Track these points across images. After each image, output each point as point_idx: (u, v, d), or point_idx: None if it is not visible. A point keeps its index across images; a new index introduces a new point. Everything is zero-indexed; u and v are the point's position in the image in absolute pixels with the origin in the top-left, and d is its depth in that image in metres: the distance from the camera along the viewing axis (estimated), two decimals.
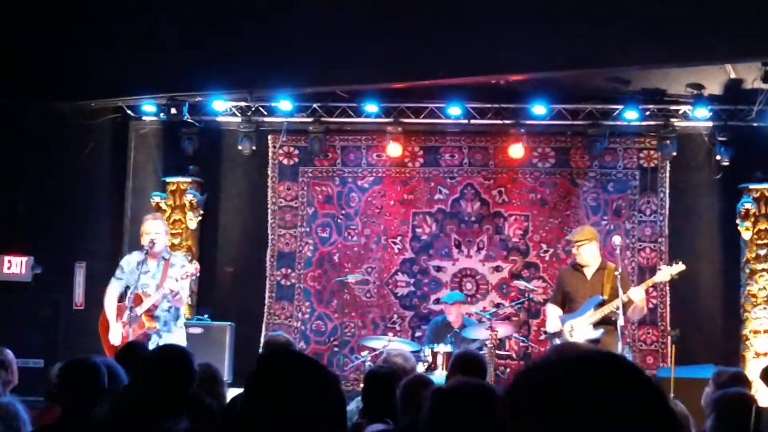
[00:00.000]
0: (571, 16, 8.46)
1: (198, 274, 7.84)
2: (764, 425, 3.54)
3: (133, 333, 7.22)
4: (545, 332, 8.63)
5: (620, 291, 7.57)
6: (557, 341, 7.84)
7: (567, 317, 7.95)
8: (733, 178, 10.20)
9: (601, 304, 7.79)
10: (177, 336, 7.53)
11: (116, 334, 7.43)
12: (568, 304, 8.06)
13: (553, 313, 8.12)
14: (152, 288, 7.50)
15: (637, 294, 7.70)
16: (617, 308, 7.58)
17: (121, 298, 7.68)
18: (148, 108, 10.49)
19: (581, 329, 7.80)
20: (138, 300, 7.37)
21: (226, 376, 9.44)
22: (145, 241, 7.60)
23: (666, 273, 8.11)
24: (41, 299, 9.91)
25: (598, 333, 7.76)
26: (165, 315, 7.54)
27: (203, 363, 4.43)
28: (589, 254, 8.04)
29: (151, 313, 7.43)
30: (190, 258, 10.18)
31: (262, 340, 10.13)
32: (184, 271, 7.48)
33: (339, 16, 8.89)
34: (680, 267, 8.04)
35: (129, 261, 7.77)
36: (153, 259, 7.63)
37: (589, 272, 8.05)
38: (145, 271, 7.55)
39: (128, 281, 7.62)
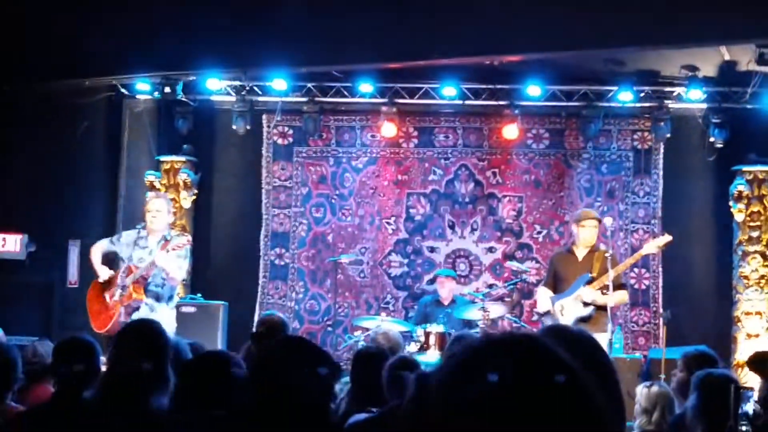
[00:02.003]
0: None
1: (189, 246, 7.83)
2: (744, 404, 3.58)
3: (122, 302, 7.27)
4: (537, 313, 8.66)
5: (610, 270, 7.59)
6: (548, 321, 7.88)
7: (557, 297, 7.98)
8: (727, 160, 10.22)
9: (590, 281, 7.81)
10: (166, 314, 7.53)
11: (104, 273, 7.56)
12: (559, 285, 8.09)
13: (543, 294, 8.15)
14: (146, 262, 7.53)
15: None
16: (606, 285, 7.61)
17: (112, 265, 7.75)
18: (142, 86, 10.48)
19: (571, 308, 7.83)
20: (130, 272, 7.43)
21: None
22: (146, 218, 7.70)
23: (653, 245, 8.18)
24: (35, 277, 9.92)
25: (588, 311, 7.79)
26: (158, 290, 7.55)
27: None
28: (592, 236, 8.06)
29: (140, 285, 7.45)
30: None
31: (256, 319, 10.15)
32: (175, 243, 7.48)
33: None
34: (667, 238, 8.11)
35: (129, 234, 7.88)
36: (154, 236, 7.66)
37: (580, 254, 8.08)
38: (144, 246, 7.61)
39: (120, 251, 7.69)
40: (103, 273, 7.60)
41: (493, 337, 1.33)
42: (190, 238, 7.77)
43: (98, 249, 7.81)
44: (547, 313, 8.00)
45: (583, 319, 7.70)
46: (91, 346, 4.01)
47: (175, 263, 7.46)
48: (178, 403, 3.35)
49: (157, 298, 7.55)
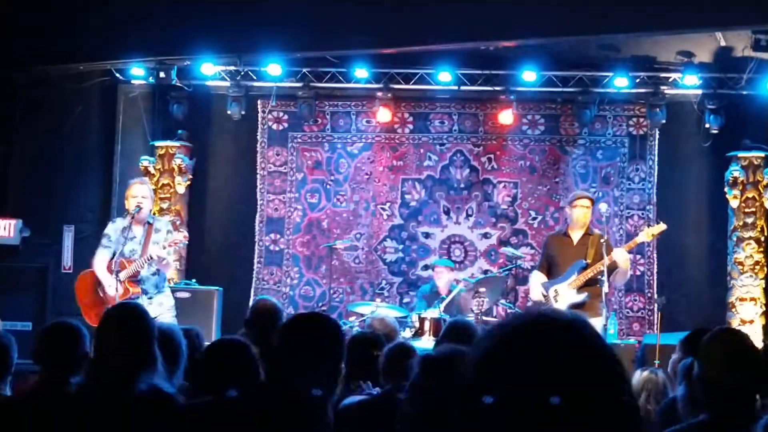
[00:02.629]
0: None
1: (186, 242, 7.78)
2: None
3: (118, 299, 7.21)
4: (531, 301, 8.64)
5: (605, 255, 7.56)
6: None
7: (551, 283, 7.95)
8: (722, 146, 10.21)
9: (585, 268, 7.79)
10: (166, 299, 7.53)
11: (111, 286, 7.32)
12: (552, 269, 8.06)
13: (536, 281, 8.11)
14: (139, 254, 7.47)
15: (621, 255, 7.69)
16: (601, 271, 7.58)
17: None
18: (137, 71, 10.44)
19: (565, 294, 7.81)
20: (123, 266, 7.34)
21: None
22: (131, 205, 7.50)
23: (648, 233, 8.16)
24: (29, 262, 9.91)
25: (582, 297, 7.76)
26: (154, 278, 7.52)
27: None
28: (585, 215, 8.02)
29: (134, 279, 7.40)
30: (179, 222, 10.18)
31: (251, 305, 10.14)
32: (171, 238, 7.43)
33: None
34: (661, 227, 8.09)
35: (115, 228, 7.65)
36: (138, 224, 7.57)
37: (575, 238, 8.05)
38: (131, 237, 7.49)
39: (115, 248, 7.57)
40: (111, 285, 7.28)
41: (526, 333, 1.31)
42: (186, 234, 7.67)
43: (102, 263, 7.47)
44: (540, 300, 7.96)
45: (577, 305, 7.68)
46: (78, 331, 3.99)
47: (167, 251, 7.43)
48: (195, 389, 3.35)
49: (156, 286, 7.52)
